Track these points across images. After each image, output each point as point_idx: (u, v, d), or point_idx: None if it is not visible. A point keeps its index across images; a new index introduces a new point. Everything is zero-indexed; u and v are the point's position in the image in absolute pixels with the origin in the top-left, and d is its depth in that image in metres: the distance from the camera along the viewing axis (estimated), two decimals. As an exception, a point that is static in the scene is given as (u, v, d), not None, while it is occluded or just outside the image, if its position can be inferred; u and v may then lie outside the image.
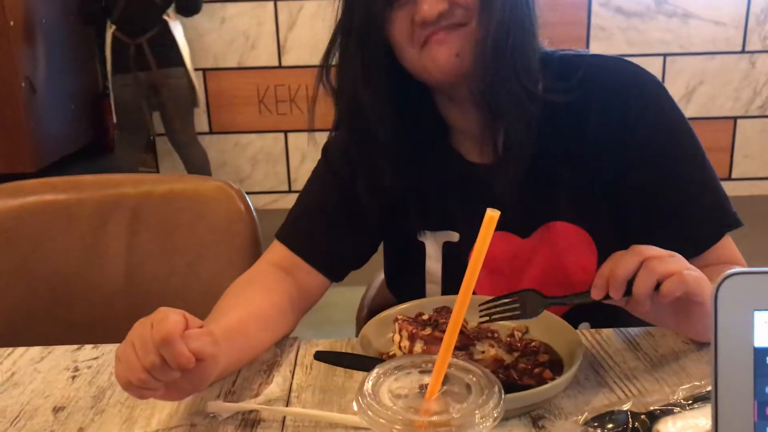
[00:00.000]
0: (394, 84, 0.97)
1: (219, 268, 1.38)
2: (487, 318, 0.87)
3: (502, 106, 0.94)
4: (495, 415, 0.57)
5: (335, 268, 1.08)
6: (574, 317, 1.04)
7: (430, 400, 0.58)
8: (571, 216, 1.01)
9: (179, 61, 3.82)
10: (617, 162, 0.98)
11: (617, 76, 1.00)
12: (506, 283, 1.04)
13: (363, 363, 0.84)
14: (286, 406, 0.84)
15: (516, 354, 0.91)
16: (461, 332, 0.83)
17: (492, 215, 0.54)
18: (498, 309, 0.86)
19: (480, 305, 0.87)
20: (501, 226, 1.02)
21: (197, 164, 4.02)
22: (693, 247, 0.96)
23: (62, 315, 1.40)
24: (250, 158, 4.60)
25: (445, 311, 0.88)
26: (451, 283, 1.06)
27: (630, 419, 0.76)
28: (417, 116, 1.02)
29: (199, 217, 1.39)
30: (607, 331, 0.99)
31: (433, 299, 1.01)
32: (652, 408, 0.77)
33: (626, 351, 0.93)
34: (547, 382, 0.84)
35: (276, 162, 4.59)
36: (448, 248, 1.06)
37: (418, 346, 0.84)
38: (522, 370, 0.87)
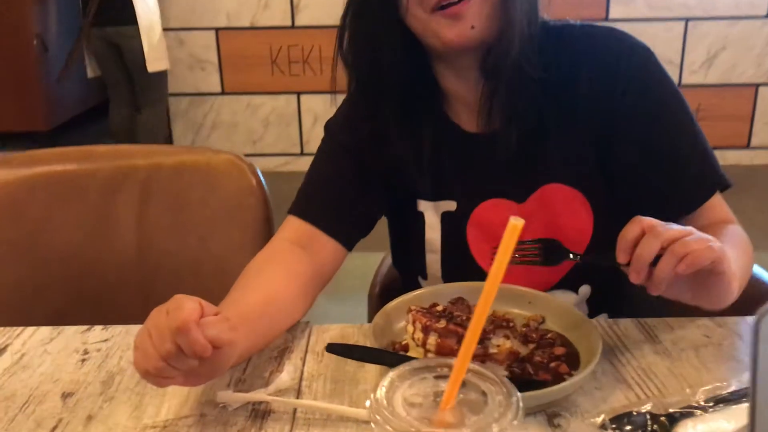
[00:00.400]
0: (399, 45, 0.98)
1: (230, 243, 1.37)
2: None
3: (507, 74, 0.96)
4: (514, 425, 0.55)
5: (351, 236, 1.08)
6: (574, 279, 1.03)
7: (445, 410, 0.56)
8: (565, 177, 1.02)
9: (129, 20, 3.74)
10: (608, 127, 1.00)
11: (608, 43, 1.01)
12: None
13: (374, 355, 0.82)
14: (297, 396, 0.83)
15: (531, 346, 0.89)
16: (477, 325, 0.82)
17: (515, 224, 0.51)
18: (519, 253, 0.86)
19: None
20: (497, 193, 1.04)
21: (146, 126, 3.97)
22: (682, 207, 0.99)
23: (73, 287, 1.40)
24: (262, 120, 4.56)
25: (460, 303, 0.86)
26: (450, 253, 1.07)
27: (649, 421, 0.74)
28: (414, 82, 1.02)
29: (210, 191, 1.37)
30: (624, 322, 0.96)
31: (446, 287, 0.99)
32: (671, 410, 0.75)
33: (644, 343, 0.91)
34: (563, 377, 0.83)
35: (288, 124, 4.55)
36: (446, 218, 1.07)
37: (432, 339, 0.82)
38: (537, 364, 0.85)
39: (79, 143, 1.52)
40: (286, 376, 0.83)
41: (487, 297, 0.53)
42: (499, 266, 0.52)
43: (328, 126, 1.11)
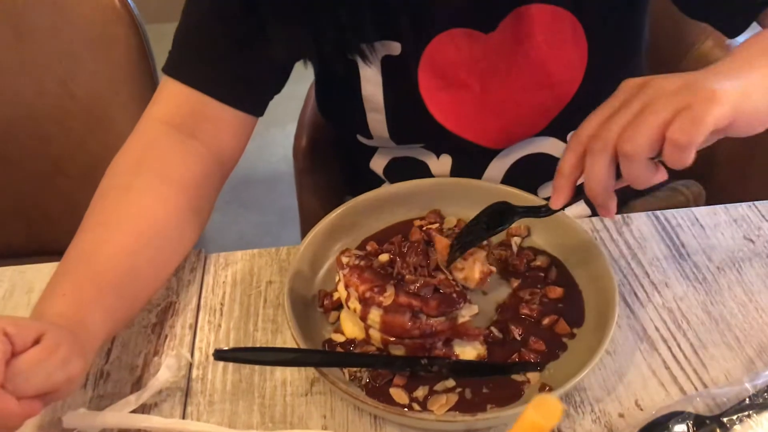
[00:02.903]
0: None
1: (99, 86, 1.02)
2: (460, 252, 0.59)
3: None
4: None
5: (259, 98, 0.74)
6: (562, 124, 0.76)
7: None
8: None
9: None
10: None
11: None
12: (472, 98, 0.75)
13: (285, 356, 0.56)
14: (186, 398, 0.57)
15: (515, 282, 0.63)
16: (437, 291, 0.55)
17: (551, 407, 0.22)
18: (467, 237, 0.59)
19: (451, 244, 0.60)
20: (454, 21, 0.74)
21: None
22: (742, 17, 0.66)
23: None
24: None
25: (414, 250, 0.57)
26: (398, 110, 0.76)
27: (690, 431, 0.51)
28: None
29: (59, 16, 0.99)
30: (637, 220, 0.71)
31: (392, 191, 0.70)
32: (723, 411, 0.52)
33: (668, 260, 0.66)
34: (562, 342, 0.59)
35: None
36: (388, 65, 0.74)
37: (375, 314, 0.55)
38: (525, 321, 0.60)
39: None
40: (166, 373, 0.57)
41: None
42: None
43: None
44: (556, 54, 0.72)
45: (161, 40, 0.97)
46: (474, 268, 0.60)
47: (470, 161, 0.78)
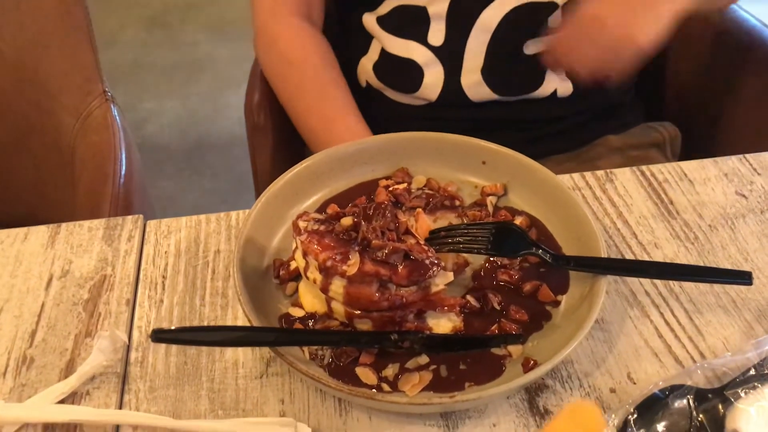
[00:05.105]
0: None
1: (26, 41, 0.93)
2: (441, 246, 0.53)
3: None
4: None
5: None
6: None
7: None
8: None
9: None
10: None
11: None
12: None
13: (234, 335, 0.49)
14: (123, 383, 0.50)
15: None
16: (408, 257, 0.49)
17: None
18: (464, 237, 0.53)
19: (436, 230, 0.54)
20: None
21: None
22: None
23: None
24: None
25: (381, 212, 0.51)
26: None
27: (691, 405, 0.46)
28: None
29: (-23, -40, 0.89)
30: (621, 175, 0.65)
31: (362, 146, 0.62)
32: (724, 383, 0.47)
33: (655, 219, 0.61)
34: (545, 310, 0.53)
35: None
36: None
37: (338, 285, 0.49)
38: (504, 288, 0.54)
39: None
40: (99, 356, 0.50)
41: None
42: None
43: None
44: None
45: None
46: (447, 257, 0.54)
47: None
